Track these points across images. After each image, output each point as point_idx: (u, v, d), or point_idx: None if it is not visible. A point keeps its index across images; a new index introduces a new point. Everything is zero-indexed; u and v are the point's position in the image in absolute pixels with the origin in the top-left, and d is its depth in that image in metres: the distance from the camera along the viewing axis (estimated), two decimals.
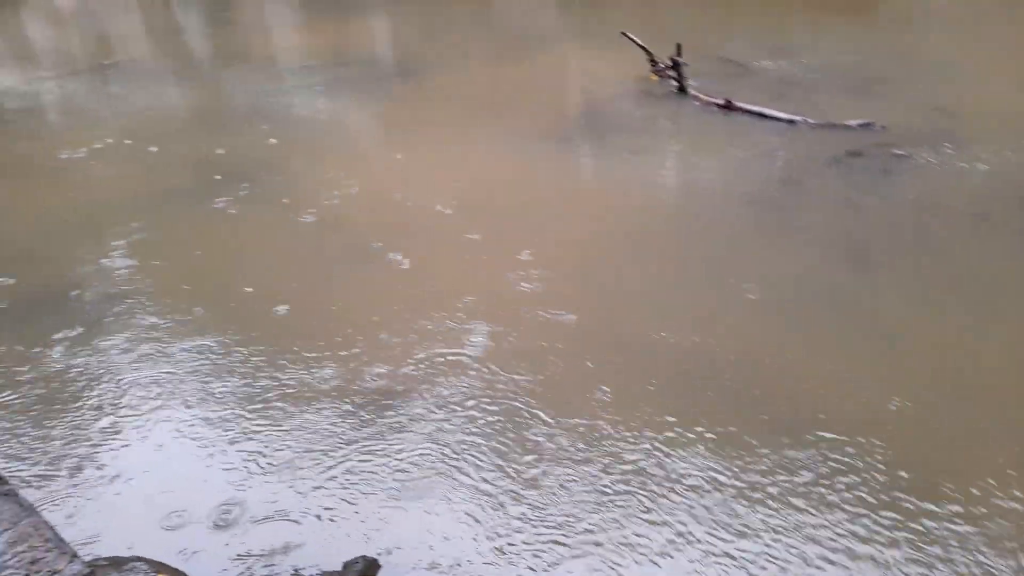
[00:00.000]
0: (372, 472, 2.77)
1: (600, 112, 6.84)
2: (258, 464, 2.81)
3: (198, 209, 5.22)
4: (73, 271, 4.37)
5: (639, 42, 7.58)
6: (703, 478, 2.67)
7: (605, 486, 2.65)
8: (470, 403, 3.08)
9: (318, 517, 2.58)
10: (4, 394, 3.28)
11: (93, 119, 8.07)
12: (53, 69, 11.10)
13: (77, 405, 3.18)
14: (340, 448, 2.87)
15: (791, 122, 6.15)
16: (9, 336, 3.72)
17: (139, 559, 2.41)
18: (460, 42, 10.33)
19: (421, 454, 2.83)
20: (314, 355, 3.42)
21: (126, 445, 2.94)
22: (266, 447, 2.89)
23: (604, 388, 3.12)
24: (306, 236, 4.71)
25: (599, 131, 6.38)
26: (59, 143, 7.13)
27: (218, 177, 5.70)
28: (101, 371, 3.39)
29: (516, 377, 3.22)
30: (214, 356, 3.46)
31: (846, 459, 2.71)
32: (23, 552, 1.46)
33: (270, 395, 3.18)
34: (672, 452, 2.78)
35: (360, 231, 4.69)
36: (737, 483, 2.64)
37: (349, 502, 2.64)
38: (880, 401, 3.00)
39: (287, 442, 2.91)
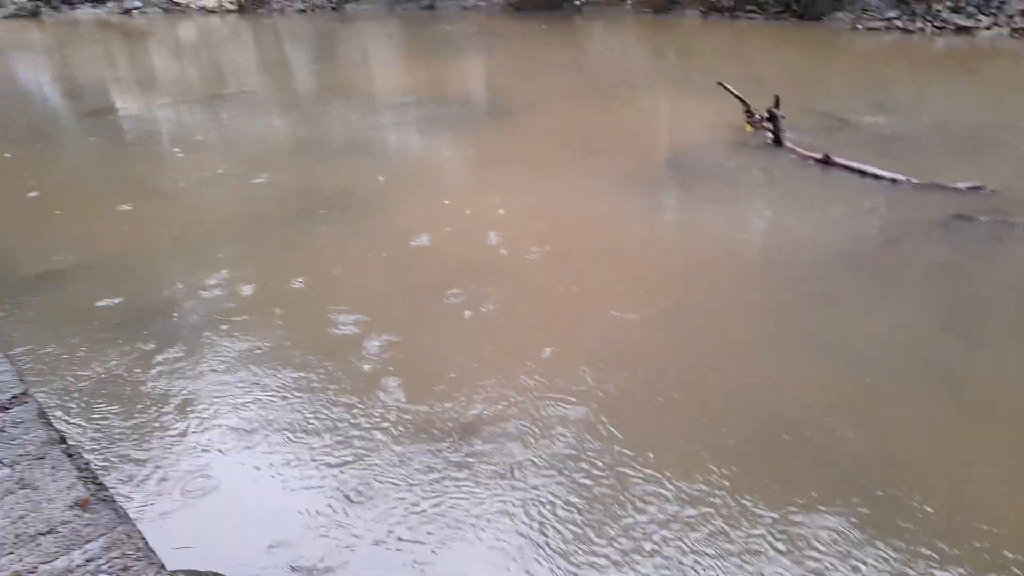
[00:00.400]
0: (452, 510, 2.75)
1: (691, 160, 6.77)
2: (340, 493, 2.84)
3: (295, 238, 5.42)
4: (176, 292, 4.60)
5: (735, 92, 7.50)
6: (790, 543, 2.52)
7: (703, 550, 2.54)
8: (549, 449, 3.03)
9: (399, 550, 2.57)
10: (108, 408, 3.44)
11: (205, 147, 8.57)
12: (171, 97, 11.91)
13: (174, 424, 3.30)
14: (424, 484, 2.87)
15: (893, 181, 5.91)
16: (114, 353, 3.92)
17: (216, 575, 2.47)
18: (553, 85, 10.49)
19: (497, 495, 2.79)
20: (399, 388, 3.46)
21: (216, 465, 3.03)
22: (348, 477, 2.92)
23: (689, 445, 3.01)
24: (396, 269, 4.80)
25: (689, 178, 6.30)
26: (172, 168, 7.60)
27: (317, 209, 5.91)
28: (198, 392, 3.52)
29: (599, 427, 3.15)
30: (304, 383, 3.54)
31: (939, 537, 2.51)
32: (116, 558, 1.50)
33: (354, 423, 3.22)
34: (755, 517, 2.65)
35: (447, 268, 4.76)
36: (826, 554, 2.48)
37: (431, 538, 2.62)
38: (975, 477, 2.78)
39: (371, 473, 2.93)
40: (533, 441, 3.09)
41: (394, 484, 2.87)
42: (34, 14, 28.18)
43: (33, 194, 6.76)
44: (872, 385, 3.41)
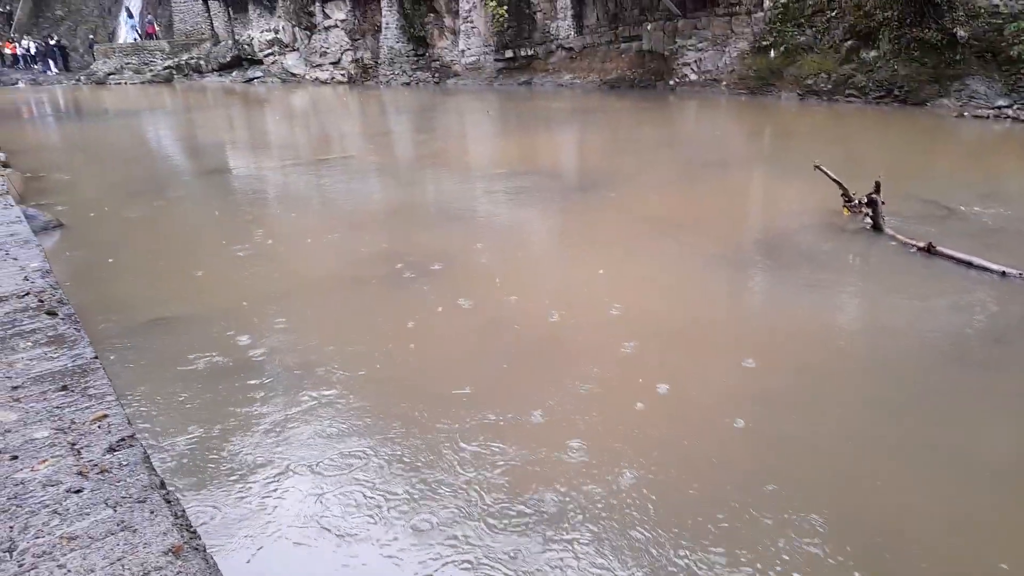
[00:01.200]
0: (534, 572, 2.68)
1: (785, 242, 6.62)
2: (445, 562, 2.82)
3: (382, 298, 5.59)
4: (275, 346, 4.80)
5: (833, 176, 7.35)
6: None
7: None
8: (622, 530, 2.93)
9: None
10: (205, 457, 3.59)
11: (306, 207, 9.05)
12: (280, 159, 12.73)
13: (270, 479, 3.39)
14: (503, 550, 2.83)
15: (1003, 274, 5.58)
16: (214, 403, 4.10)
17: None
18: (645, 161, 10.60)
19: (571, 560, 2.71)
20: (475, 450, 3.46)
21: (310, 524, 3.08)
22: (451, 552, 2.91)
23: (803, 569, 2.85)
24: (475, 334, 4.86)
25: (782, 261, 6.15)
26: (276, 226, 8.05)
27: (408, 272, 6.10)
28: (296, 449, 3.62)
29: (681, 547, 3.04)
30: (404, 450, 3.59)
31: None
32: None
33: (432, 478, 3.23)
34: None
35: (526, 337, 4.78)
36: None
37: None
38: None
39: (477, 549, 2.91)
40: (606, 537, 2.99)
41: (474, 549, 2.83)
42: (168, 80, 31.01)
43: (148, 246, 7.28)
44: (1003, 502, 3.15)
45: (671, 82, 17.62)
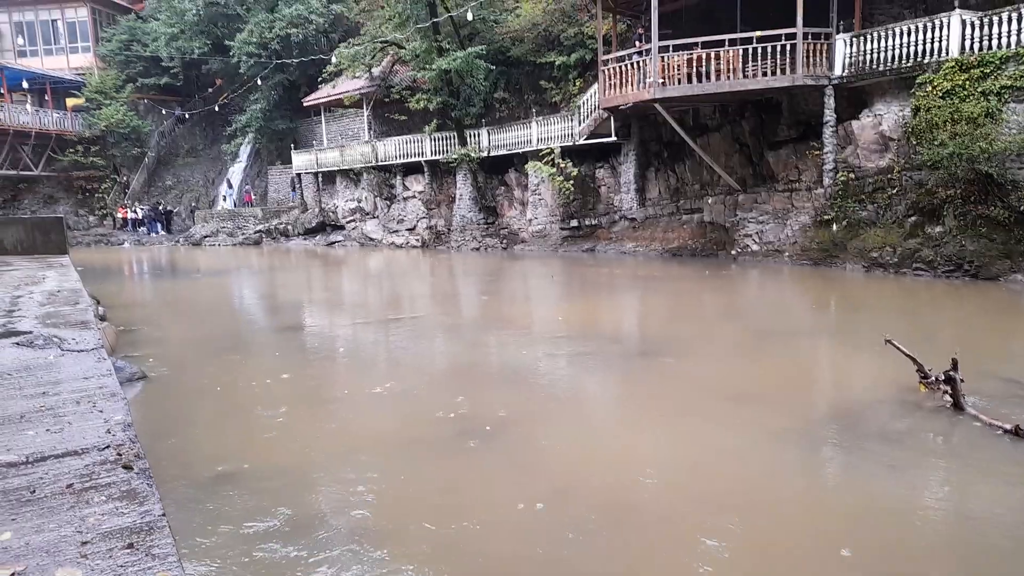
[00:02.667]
0: None
1: (856, 418, 6.37)
2: None
3: (445, 463, 5.58)
4: (328, 505, 4.80)
5: (905, 351, 7.17)
6: None
7: None
8: None
9: None
10: None
11: (373, 365, 9.32)
12: (353, 318, 13.30)
13: None
14: None
15: None
16: (271, 563, 4.08)
17: None
18: (707, 329, 10.59)
19: None
20: None
21: None
22: None
23: None
24: (540, 502, 4.75)
25: (855, 439, 5.89)
26: (341, 383, 8.28)
27: (467, 436, 6.11)
28: None
29: None
30: None
31: None
32: None
33: None
34: None
35: (582, 510, 4.63)
36: None
37: None
38: None
39: None
40: None
41: None
42: (257, 243, 33.51)
43: (223, 399, 7.57)
44: None
45: (733, 252, 17.95)
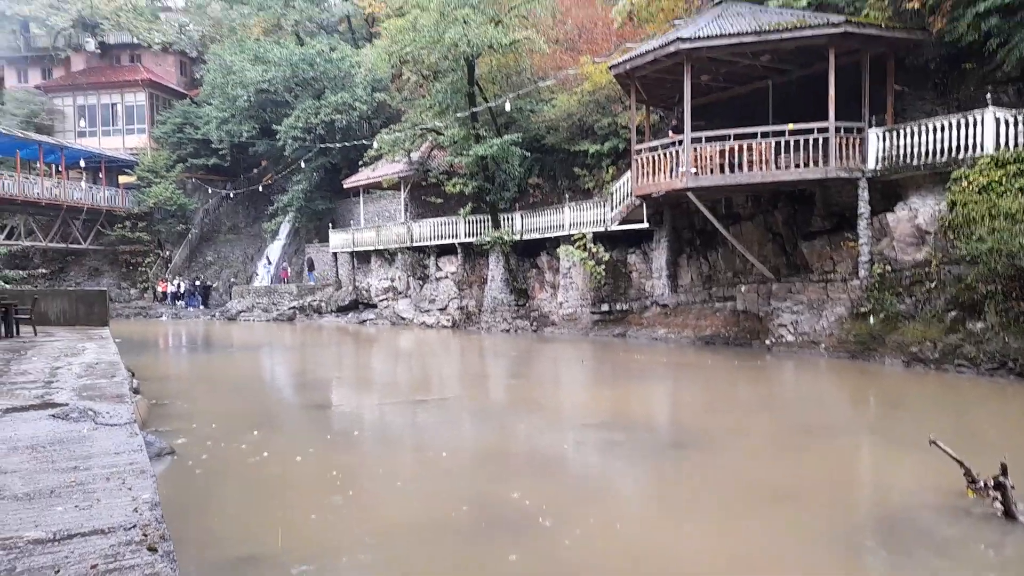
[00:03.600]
0: None
1: (900, 523, 6.07)
2: None
3: (461, 553, 5.41)
4: None
5: (952, 453, 6.88)
6: None
7: None
8: None
9: None
10: None
11: (400, 447, 9.22)
12: (381, 397, 13.26)
13: None
14: None
15: None
16: None
17: None
18: (740, 420, 10.32)
19: None
20: None
21: None
22: None
23: None
24: None
25: (902, 545, 5.59)
26: (366, 465, 8.19)
27: (493, 525, 5.95)
28: None
29: None
30: None
31: None
32: None
33: None
34: None
35: None
36: None
37: None
38: None
39: None
40: None
41: None
42: (290, 319, 34.00)
43: (248, 479, 7.51)
44: None
45: (767, 342, 17.67)
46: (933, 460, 7.05)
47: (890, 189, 16.02)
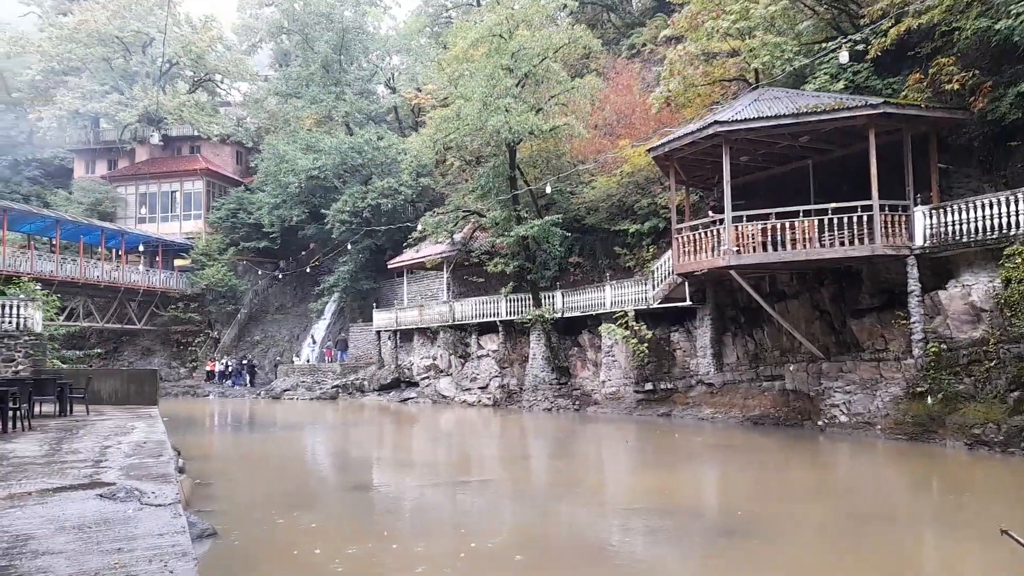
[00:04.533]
0: None
1: None
2: None
3: None
4: None
5: None
6: None
7: None
8: None
9: None
10: None
11: (441, 531, 9.01)
12: (422, 478, 13.09)
13: None
14: None
15: None
16: None
17: None
18: (793, 507, 9.86)
19: None
20: None
21: None
22: None
23: None
24: None
25: None
26: (407, 551, 8.01)
27: None
28: None
29: None
30: None
31: None
32: None
33: None
34: None
35: None
36: None
37: None
38: None
39: None
40: None
41: None
42: (333, 398, 34.21)
43: (287, 564, 7.40)
44: None
45: (819, 422, 17.04)
46: (1004, 551, 6.60)
47: (940, 266, 15.67)
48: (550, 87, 26.54)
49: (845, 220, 15.80)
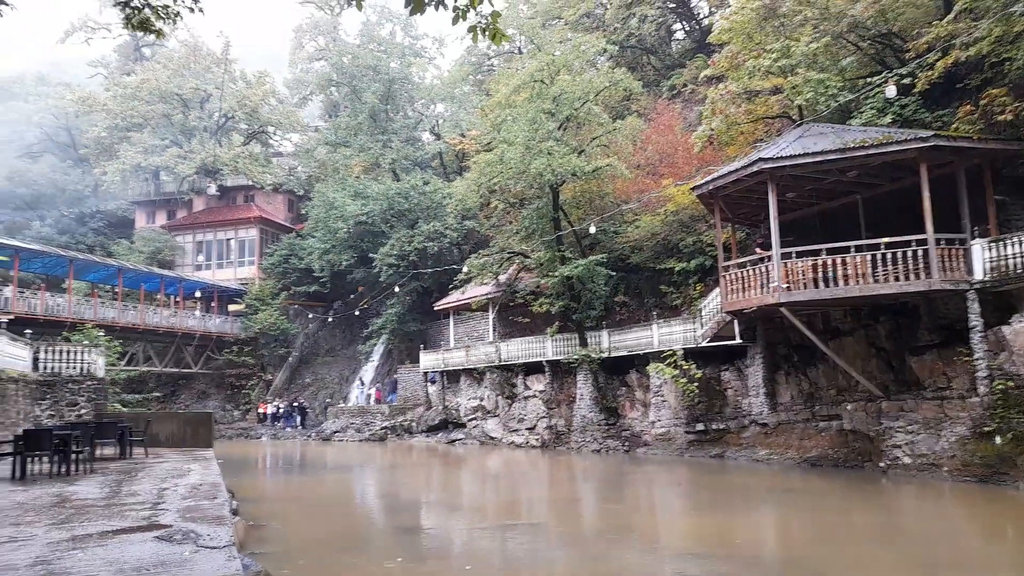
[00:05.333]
0: None
1: None
2: None
3: None
4: None
5: None
6: None
7: None
8: None
9: None
10: None
11: (489, 573, 8.91)
12: (470, 521, 12.99)
13: None
14: None
15: None
16: None
17: None
18: (862, 555, 9.44)
19: None
20: None
21: None
22: None
23: None
24: None
25: None
26: None
27: None
28: None
29: None
30: None
31: None
32: None
33: None
34: None
35: None
36: None
37: None
38: None
39: None
40: None
41: None
42: (382, 439, 34.37)
43: None
44: None
45: (881, 464, 16.38)
46: None
47: (1003, 300, 15.12)
48: (592, 129, 26.82)
49: (899, 255, 15.43)
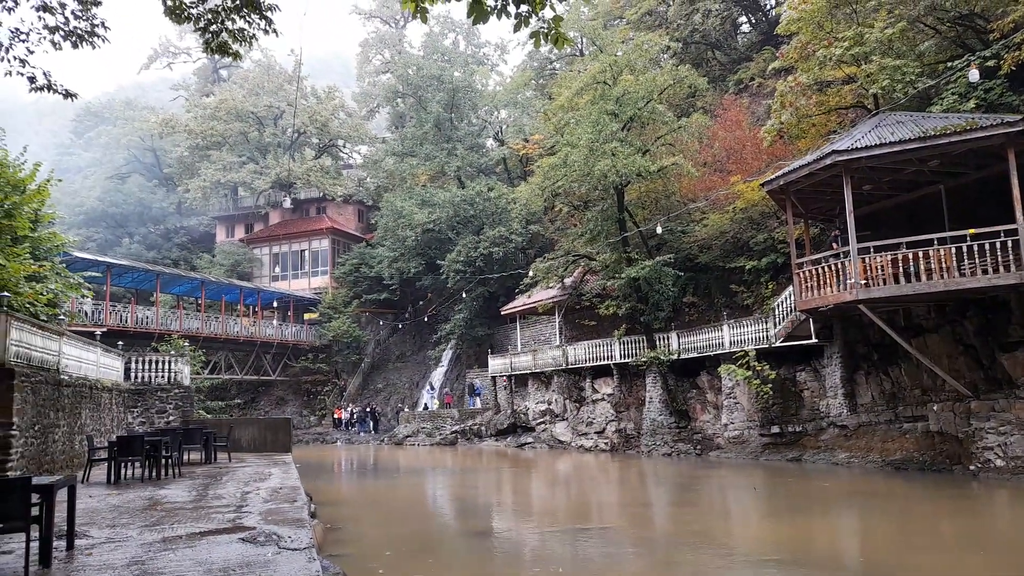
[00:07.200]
0: None
1: None
2: None
3: None
4: None
5: None
6: None
7: None
8: None
9: None
10: None
11: None
12: (540, 524, 13.01)
13: None
14: None
15: None
16: None
17: None
18: (949, 559, 9.00)
19: None
20: None
21: None
22: None
23: None
24: None
25: None
26: None
27: None
28: None
29: None
30: None
31: None
32: None
33: None
34: None
35: None
36: None
37: None
38: None
39: None
40: None
41: None
42: (452, 443, 34.81)
43: None
44: None
45: (971, 467, 15.54)
46: None
47: None
48: (656, 128, 26.50)
49: (987, 246, 14.64)
